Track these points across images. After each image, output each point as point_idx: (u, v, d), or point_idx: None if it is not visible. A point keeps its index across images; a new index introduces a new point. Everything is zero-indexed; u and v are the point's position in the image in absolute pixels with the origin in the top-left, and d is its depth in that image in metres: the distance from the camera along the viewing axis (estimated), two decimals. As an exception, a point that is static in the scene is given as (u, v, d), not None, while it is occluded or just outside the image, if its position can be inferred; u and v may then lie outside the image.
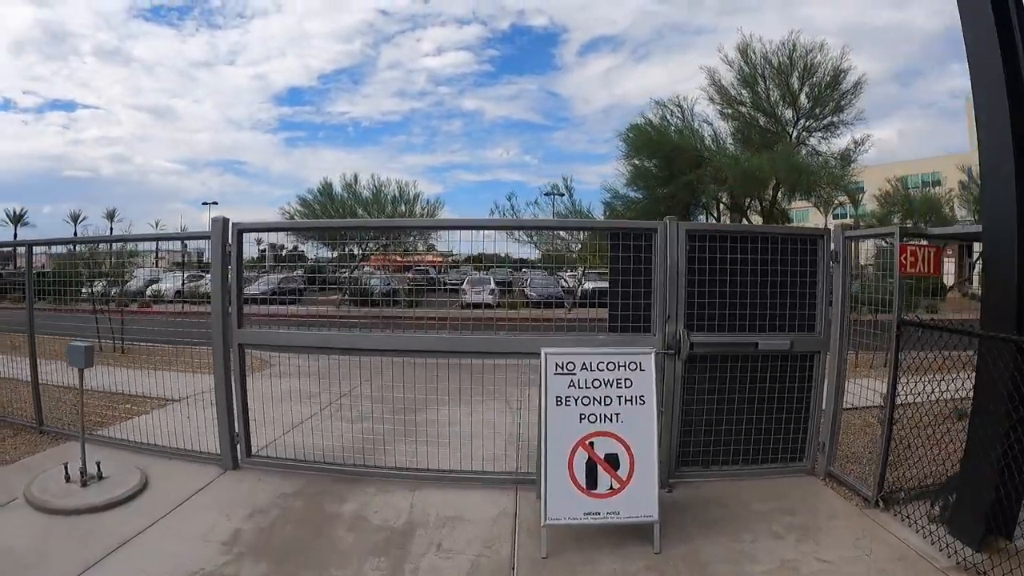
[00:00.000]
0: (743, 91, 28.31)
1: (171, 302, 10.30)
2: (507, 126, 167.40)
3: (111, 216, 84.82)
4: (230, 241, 5.71)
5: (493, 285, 19.66)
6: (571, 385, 4.67)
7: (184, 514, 5.10)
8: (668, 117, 28.91)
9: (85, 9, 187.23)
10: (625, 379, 4.69)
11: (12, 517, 5.02)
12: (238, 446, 5.97)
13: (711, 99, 29.09)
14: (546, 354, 4.72)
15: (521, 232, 10.72)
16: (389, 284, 8.78)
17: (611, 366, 4.70)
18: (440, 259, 10.28)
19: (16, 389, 7.87)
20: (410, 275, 9.74)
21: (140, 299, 12.10)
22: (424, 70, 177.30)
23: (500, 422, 6.20)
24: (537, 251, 13.34)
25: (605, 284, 5.74)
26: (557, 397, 4.64)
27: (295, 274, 9.76)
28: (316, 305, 6.44)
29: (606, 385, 4.68)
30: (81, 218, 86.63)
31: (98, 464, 5.61)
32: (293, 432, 6.66)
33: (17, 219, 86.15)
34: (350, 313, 6.09)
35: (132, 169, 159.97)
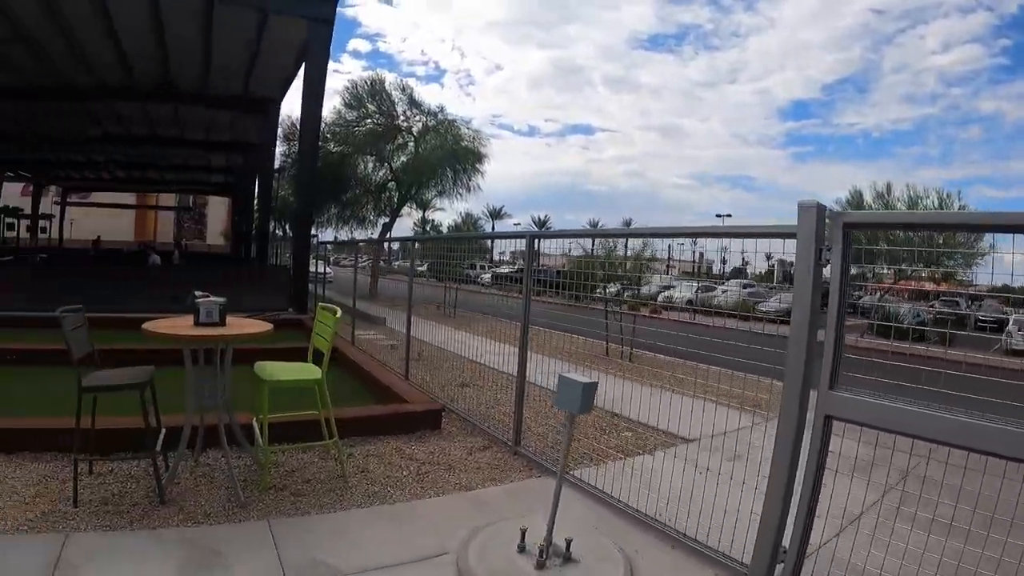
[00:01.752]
0: None
1: (687, 310, 8.90)
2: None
3: (627, 225, 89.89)
4: (825, 243, 3.51)
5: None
6: None
7: None
8: None
9: (589, 46, 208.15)
10: None
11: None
12: (778, 567, 3.81)
13: None
14: None
15: None
16: (919, 315, 7.32)
17: None
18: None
19: (508, 389, 6.83)
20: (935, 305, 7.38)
21: (651, 304, 11.03)
22: (932, 70, 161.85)
23: None
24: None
25: None
26: None
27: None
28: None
29: None
30: (599, 226, 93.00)
31: (568, 542, 4.03)
32: (854, 534, 4.23)
33: (541, 225, 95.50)
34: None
35: (644, 183, 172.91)
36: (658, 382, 7.18)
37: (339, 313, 5.29)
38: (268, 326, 5.01)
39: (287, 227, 35.09)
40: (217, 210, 69.57)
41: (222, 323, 4.70)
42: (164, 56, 19.70)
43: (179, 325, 4.76)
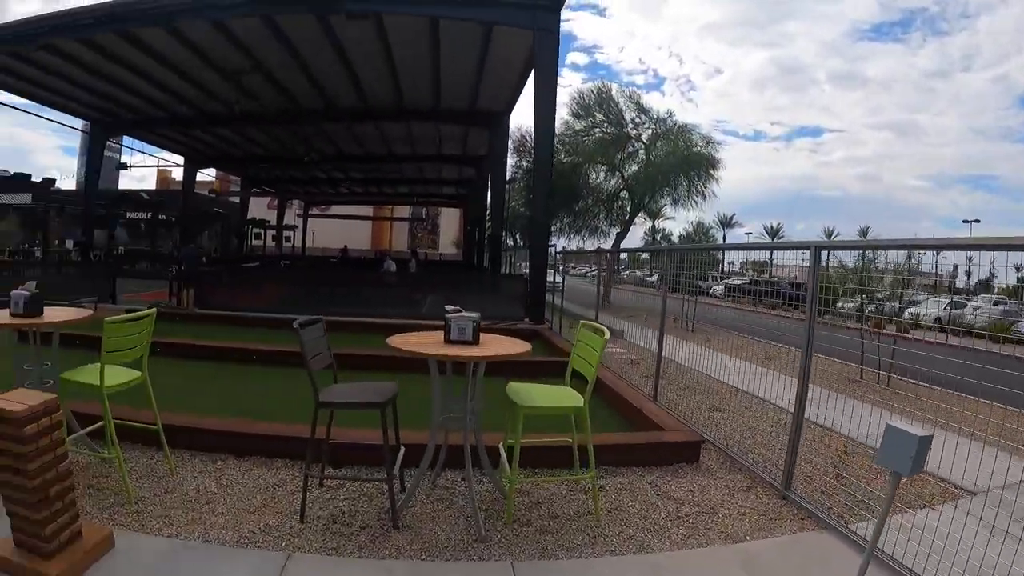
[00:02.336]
0: None
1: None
2: None
3: (863, 234, 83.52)
4: None
5: None
6: None
7: None
8: None
9: (810, 41, 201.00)
10: None
11: None
12: None
13: None
14: None
15: None
16: None
17: None
18: None
19: (765, 418, 6.19)
20: None
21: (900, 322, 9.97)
22: None
23: None
24: None
25: None
26: None
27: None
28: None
29: None
30: (834, 234, 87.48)
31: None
32: None
33: (774, 234, 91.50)
34: None
35: (878, 187, 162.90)
36: (921, 413, 6.29)
37: (607, 334, 4.75)
38: (526, 347, 4.68)
39: (517, 236, 35.78)
40: (448, 220, 72.57)
41: (475, 341, 4.42)
42: (394, 77, 20.70)
43: (428, 342, 4.53)
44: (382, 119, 25.70)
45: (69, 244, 38.25)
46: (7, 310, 5.23)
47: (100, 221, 35.33)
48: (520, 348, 4.59)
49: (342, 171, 40.67)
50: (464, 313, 4.38)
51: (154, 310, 5.12)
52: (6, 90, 23.55)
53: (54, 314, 5.38)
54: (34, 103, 24.61)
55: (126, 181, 45.50)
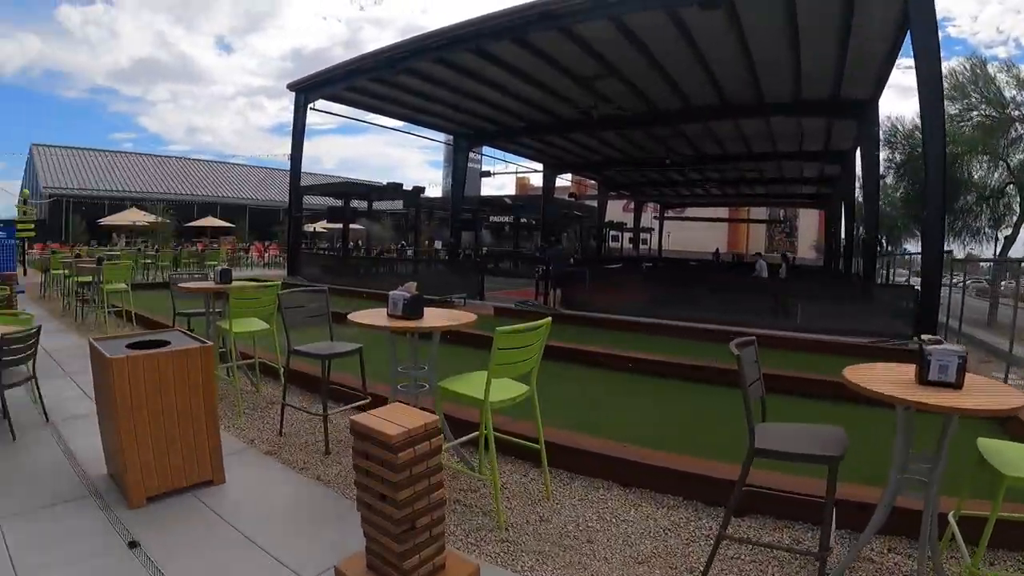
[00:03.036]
0: None
1: None
2: None
3: None
4: None
5: None
6: None
7: None
8: None
9: None
10: None
11: None
12: None
13: None
14: None
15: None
16: None
17: None
18: None
19: None
20: None
21: None
22: None
23: None
24: None
25: None
26: None
27: None
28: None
29: None
30: None
31: None
32: None
33: None
34: None
35: None
36: None
37: None
38: (1022, 399, 3.18)
39: (884, 240, 32.78)
40: (806, 222, 69.14)
41: (959, 385, 3.21)
42: (751, 69, 19.57)
43: (900, 377, 3.42)
44: (740, 116, 24.53)
45: (437, 245, 41.98)
46: (384, 309, 5.15)
47: (466, 224, 37.91)
48: (1017, 400, 3.17)
49: (699, 172, 40.01)
50: (947, 346, 3.23)
51: (548, 319, 4.62)
52: (385, 115, 27.17)
53: (434, 318, 5.16)
54: (406, 123, 28.35)
55: (487, 188, 48.76)
